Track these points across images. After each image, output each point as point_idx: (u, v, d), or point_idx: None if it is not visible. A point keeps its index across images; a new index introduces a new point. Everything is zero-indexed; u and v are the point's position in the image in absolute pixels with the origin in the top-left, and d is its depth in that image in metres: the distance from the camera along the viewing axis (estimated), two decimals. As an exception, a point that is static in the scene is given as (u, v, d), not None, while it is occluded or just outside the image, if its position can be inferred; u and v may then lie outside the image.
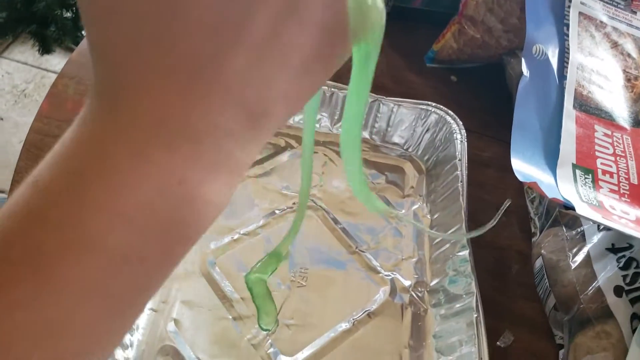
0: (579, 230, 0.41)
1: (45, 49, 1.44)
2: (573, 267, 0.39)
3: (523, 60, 0.37)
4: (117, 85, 0.15)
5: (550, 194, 0.32)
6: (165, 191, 0.15)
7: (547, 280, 0.41)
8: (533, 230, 0.45)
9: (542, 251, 0.42)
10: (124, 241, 0.15)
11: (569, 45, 0.38)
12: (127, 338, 0.34)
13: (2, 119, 1.36)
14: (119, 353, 0.32)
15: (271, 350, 0.35)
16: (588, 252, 0.39)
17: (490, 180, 0.49)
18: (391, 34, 0.62)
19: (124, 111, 0.15)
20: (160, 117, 0.15)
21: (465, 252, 0.39)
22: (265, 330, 0.36)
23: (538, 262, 0.42)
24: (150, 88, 0.14)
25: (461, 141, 0.45)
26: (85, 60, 0.51)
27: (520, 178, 0.33)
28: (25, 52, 1.50)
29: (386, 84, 0.55)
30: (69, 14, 1.42)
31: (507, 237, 0.46)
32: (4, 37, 1.47)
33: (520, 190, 0.48)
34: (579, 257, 0.39)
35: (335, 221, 0.43)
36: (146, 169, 0.15)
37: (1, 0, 1.32)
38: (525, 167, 0.33)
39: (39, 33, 1.42)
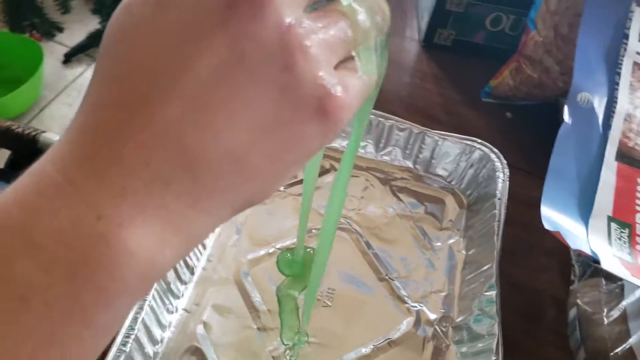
0: (619, 283, 0.39)
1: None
2: (606, 322, 0.37)
3: (566, 107, 0.36)
4: (79, 122, 0.16)
5: (574, 245, 0.31)
6: (81, 223, 0.14)
7: (579, 332, 0.39)
8: (572, 277, 0.44)
9: (578, 301, 0.41)
10: (27, 273, 0.14)
11: (617, 95, 0.37)
12: (159, 334, 0.37)
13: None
14: (149, 347, 0.35)
15: (289, 364, 0.37)
16: (625, 308, 0.37)
17: (535, 220, 0.48)
18: (449, 66, 0.63)
19: (70, 143, 0.15)
20: (94, 149, 0.15)
21: (492, 293, 0.38)
22: (286, 344, 0.38)
23: (572, 312, 0.41)
24: (97, 124, 0.15)
25: (503, 180, 0.45)
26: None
27: (546, 225, 0.32)
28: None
29: (438, 115, 0.55)
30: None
31: (545, 280, 0.45)
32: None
33: (565, 234, 0.47)
34: (615, 313, 0.38)
35: (368, 245, 0.44)
36: (68, 197, 0.14)
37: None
38: (554, 214, 0.33)
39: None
